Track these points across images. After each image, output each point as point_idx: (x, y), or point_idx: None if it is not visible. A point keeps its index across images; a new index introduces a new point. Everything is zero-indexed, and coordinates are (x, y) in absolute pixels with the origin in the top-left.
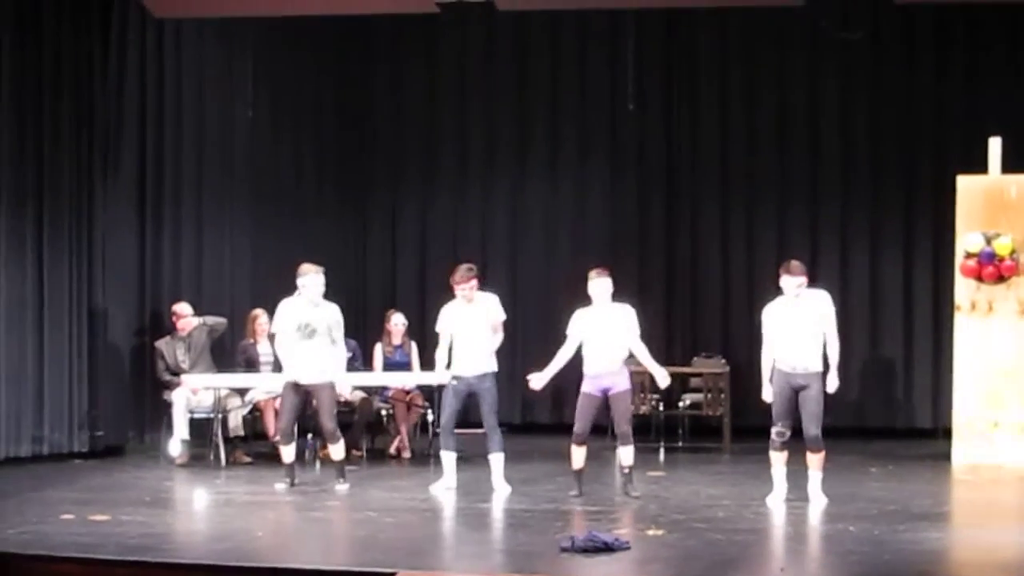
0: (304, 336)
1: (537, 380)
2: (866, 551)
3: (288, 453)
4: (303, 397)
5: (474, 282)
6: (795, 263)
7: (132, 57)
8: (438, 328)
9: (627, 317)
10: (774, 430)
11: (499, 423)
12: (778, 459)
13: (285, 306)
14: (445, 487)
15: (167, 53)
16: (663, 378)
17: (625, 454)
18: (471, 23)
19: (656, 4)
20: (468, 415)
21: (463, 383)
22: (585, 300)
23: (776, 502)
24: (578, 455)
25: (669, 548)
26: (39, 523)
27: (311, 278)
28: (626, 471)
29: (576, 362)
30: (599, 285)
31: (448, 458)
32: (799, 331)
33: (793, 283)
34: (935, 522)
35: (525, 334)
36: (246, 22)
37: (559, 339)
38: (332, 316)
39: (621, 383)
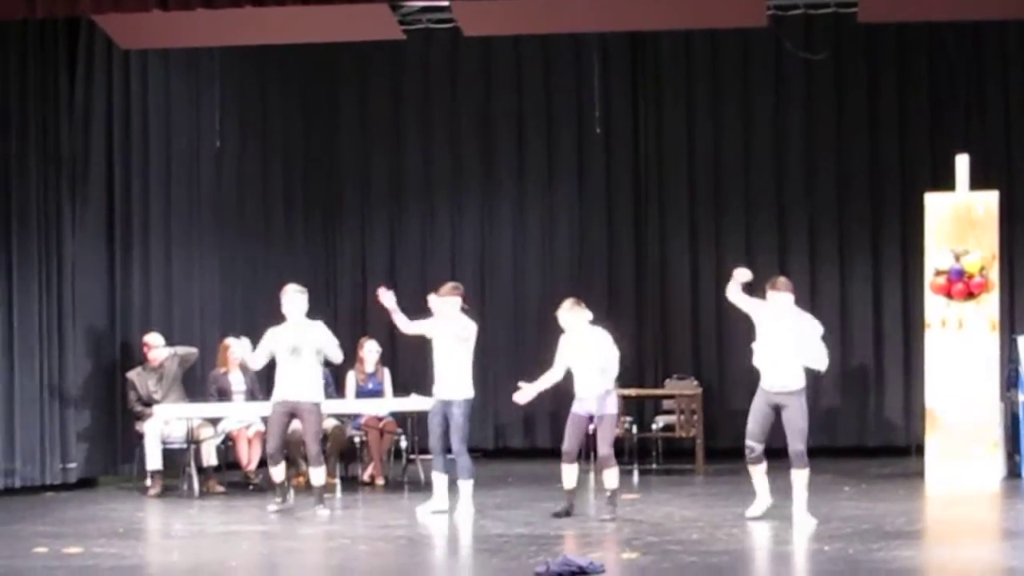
0: (291, 356)
1: (522, 395)
2: (840, 571)
3: (277, 473)
4: (288, 417)
5: (458, 299)
6: (782, 279)
7: (99, 89)
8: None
9: (604, 344)
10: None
11: (472, 449)
12: (753, 471)
13: (272, 330)
14: (432, 510)
15: (133, 84)
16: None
17: (607, 477)
18: (437, 49)
19: (620, 27)
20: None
21: (437, 403)
22: (554, 323)
23: (755, 513)
24: (568, 473)
25: (643, 571)
26: (12, 557)
27: (288, 296)
28: (608, 494)
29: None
30: (569, 317)
31: (439, 480)
32: (779, 348)
33: (781, 299)
34: (909, 540)
35: (495, 357)
36: (212, 52)
37: (529, 362)
38: (318, 338)
39: (606, 406)
